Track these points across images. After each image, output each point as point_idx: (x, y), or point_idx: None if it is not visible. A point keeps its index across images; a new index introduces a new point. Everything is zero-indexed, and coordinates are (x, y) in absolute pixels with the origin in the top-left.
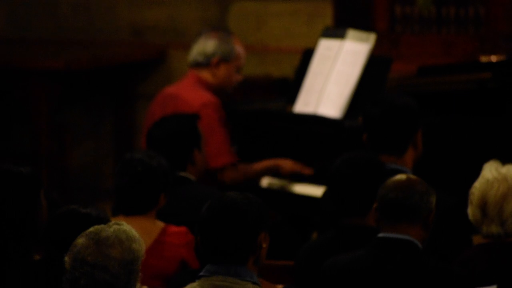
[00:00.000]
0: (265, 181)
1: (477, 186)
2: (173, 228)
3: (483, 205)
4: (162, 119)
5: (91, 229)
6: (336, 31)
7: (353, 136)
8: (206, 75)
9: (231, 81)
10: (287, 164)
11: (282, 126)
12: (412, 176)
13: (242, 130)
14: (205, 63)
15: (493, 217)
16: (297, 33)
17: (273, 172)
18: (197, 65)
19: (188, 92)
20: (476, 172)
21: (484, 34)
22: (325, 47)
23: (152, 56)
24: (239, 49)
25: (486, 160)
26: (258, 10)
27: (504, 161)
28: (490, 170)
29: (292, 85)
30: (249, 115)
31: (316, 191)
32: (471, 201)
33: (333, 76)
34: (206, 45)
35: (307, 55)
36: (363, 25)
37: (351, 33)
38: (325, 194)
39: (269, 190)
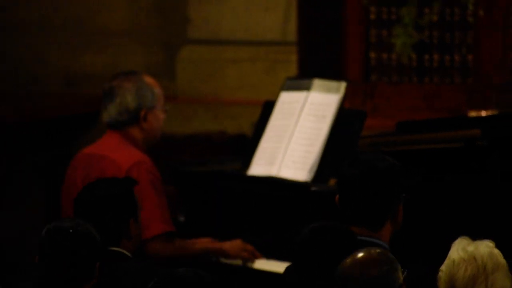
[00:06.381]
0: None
1: (443, 269)
2: None
3: None
4: (91, 184)
5: None
6: (300, 83)
7: (321, 202)
8: (133, 131)
9: (161, 126)
10: (234, 249)
11: (239, 190)
12: (373, 252)
13: (192, 195)
14: (131, 121)
15: None
16: (257, 82)
17: (217, 256)
18: (121, 124)
19: (114, 152)
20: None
21: (472, 84)
22: (287, 101)
23: (88, 109)
24: (155, 88)
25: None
26: (211, 55)
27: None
28: (457, 250)
29: (250, 143)
30: (200, 177)
31: (277, 266)
32: (438, 286)
33: (297, 133)
34: (125, 102)
35: (268, 108)
36: (332, 74)
37: (318, 83)
38: (288, 268)
39: (224, 265)
